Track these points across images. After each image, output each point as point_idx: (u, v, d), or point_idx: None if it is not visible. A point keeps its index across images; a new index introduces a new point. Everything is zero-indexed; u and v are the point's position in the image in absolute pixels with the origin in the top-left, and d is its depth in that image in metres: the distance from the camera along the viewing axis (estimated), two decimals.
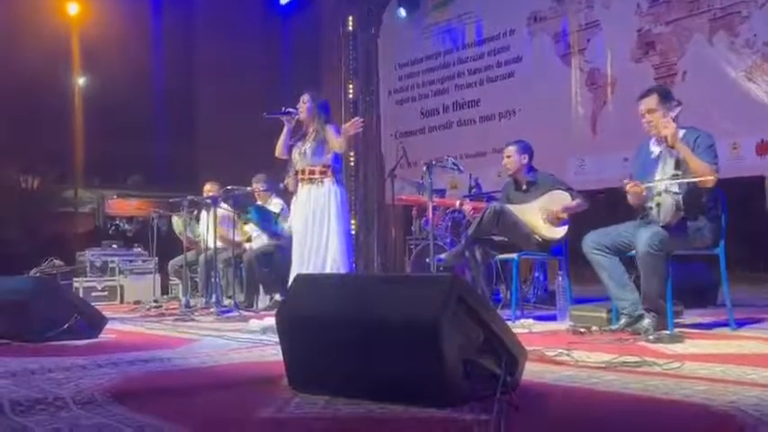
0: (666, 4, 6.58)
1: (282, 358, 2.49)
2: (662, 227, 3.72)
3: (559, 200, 4.92)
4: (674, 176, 3.75)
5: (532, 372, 2.55)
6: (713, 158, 3.83)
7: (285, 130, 5.02)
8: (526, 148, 5.13)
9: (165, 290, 8.02)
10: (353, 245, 7.55)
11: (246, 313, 5.62)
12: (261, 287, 6.42)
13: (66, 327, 3.99)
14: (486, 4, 8.22)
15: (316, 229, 4.82)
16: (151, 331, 4.74)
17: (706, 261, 4.65)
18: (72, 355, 3.37)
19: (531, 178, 5.10)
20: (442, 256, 5.15)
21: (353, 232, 8.52)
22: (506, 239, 4.90)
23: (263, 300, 6.40)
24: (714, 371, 2.65)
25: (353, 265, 5.46)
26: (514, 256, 4.79)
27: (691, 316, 4.57)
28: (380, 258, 9.31)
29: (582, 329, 3.92)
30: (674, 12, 6.52)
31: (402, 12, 9.07)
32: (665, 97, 4.00)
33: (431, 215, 5.11)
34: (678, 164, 3.76)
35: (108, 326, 4.38)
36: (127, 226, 11.80)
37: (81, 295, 7.12)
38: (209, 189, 6.86)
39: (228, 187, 6.38)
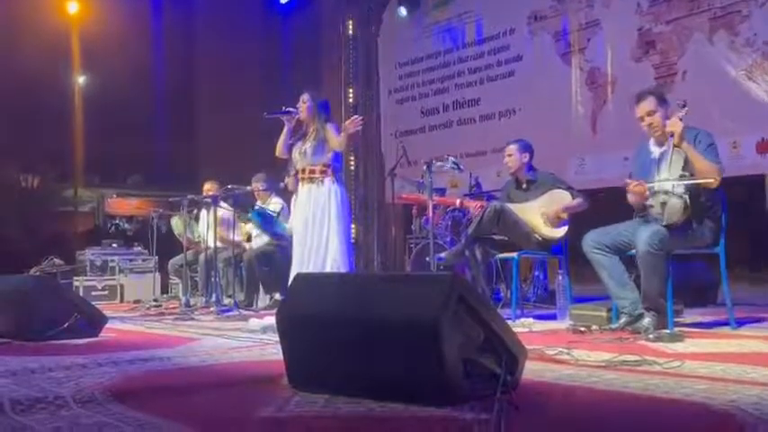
0: (667, 3, 6.58)
1: (282, 357, 2.49)
2: (664, 226, 3.72)
3: (560, 199, 4.92)
4: (682, 177, 3.74)
5: (533, 371, 2.55)
6: (717, 158, 3.84)
7: (285, 129, 5.02)
8: (527, 147, 5.14)
9: (164, 289, 8.03)
10: (353, 244, 7.55)
11: (246, 312, 5.62)
12: (261, 286, 6.43)
13: (66, 326, 3.99)
14: (487, 4, 8.22)
15: (316, 229, 4.82)
16: (151, 330, 4.74)
17: (706, 260, 4.65)
18: (72, 354, 3.37)
19: (532, 177, 5.10)
20: (443, 254, 5.15)
21: (353, 232, 8.51)
22: (506, 238, 4.90)
23: (262, 299, 6.40)
24: (714, 370, 2.65)
25: (354, 265, 5.45)
26: (514, 255, 4.79)
27: (691, 315, 4.58)
28: (380, 257, 9.31)
29: (582, 328, 3.93)
30: (675, 11, 6.52)
31: (402, 11, 9.06)
32: (662, 98, 4.01)
33: (431, 214, 5.11)
34: (686, 164, 3.76)
35: (108, 325, 4.38)
36: (127, 225, 11.82)
37: (81, 294, 7.12)
38: (209, 188, 6.86)
39: (228, 186, 6.38)
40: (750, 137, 5.98)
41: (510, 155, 5.13)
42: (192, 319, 5.45)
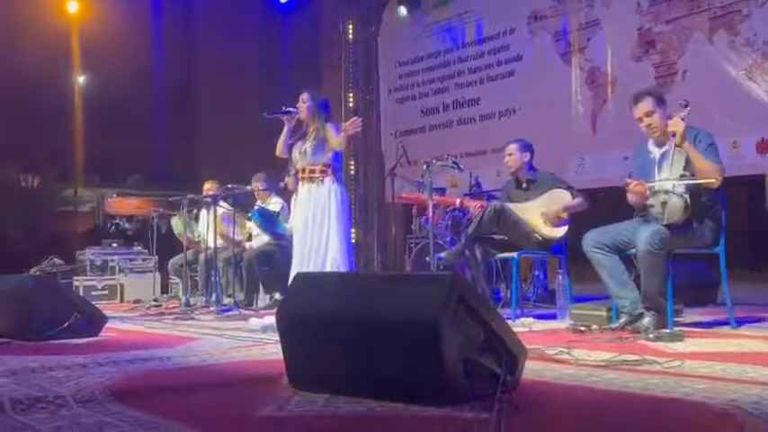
0: (667, 2, 6.57)
1: (282, 357, 2.49)
2: (664, 225, 3.72)
3: (560, 199, 4.92)
4: (683, 176, 3.74)
5: (533, 370, 2.55)
6: (717, 158, 3.84)
7: (285, 129, 5.02)
8: (527, 147, 5.14)
9: (164, 289, 8.03)
10: (353, 244, 7.55)
11: (246, 312, 5.62)
12: (261, 286, 6.43)
13: (66, 325, 3.99)
14: (487, 3, 8.22)
15: (316, 229, 4.82)
16: (151, 330, 4.74)
17: (706, 259, 4.64)
18: (72, 354, 3.37)
19: (532, 177, 5.11)
20: (443, 254, 5.15)
21: (353, 232, 8.52)
22: (506, 238, 4.90)
23: (262, 298, 6.40)
24: (714, 369, 2.65)
25: (354, 265, 5.45)
26: (514, 254, 4.79)
27: (691, 314, 4.57)
28: (380, 257, 9.31)
29: (582, 328, 3.93)
30: (675, 10, 6.52)
31: (402, 10, 9.06)
32: (660, 98, 4.01)
33: (431, 214, 5.11)
34: (687, 164, 3.76)
35: (108, 324, 4.38)
36: (127, 225, 11.82)
37: (81, 294, 7.12)
38: (209, 188, 6.86)
39: (228, 186, 6.38)
40: (750, 137, 5.98)
41: (510, 154, 5.13)
42: (192, 318, 5.45)
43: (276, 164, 5.41)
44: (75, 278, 8.01)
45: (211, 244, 6.23)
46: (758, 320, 4.36)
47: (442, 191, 6.72)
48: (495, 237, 4.91)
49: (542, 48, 7.59)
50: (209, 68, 11.08)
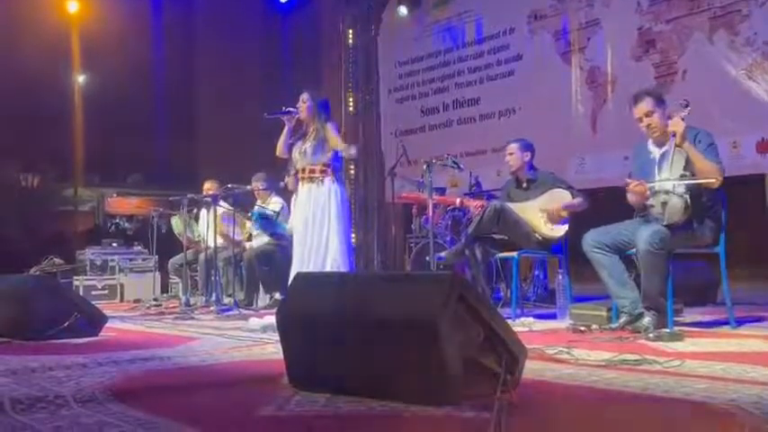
0: (667, 2, 6.58)
1: (283, 356, 2.49)
2: (665, 225, 3.72)
3: (560, 198, 4.92)
4: (683, 176, 3.74)
5: (533, 370, 2.56)
6: (717, 158, 3.84)
7: (285, 129, 5.02)
8: (528, 146, 5.14)
9: (165, 288, 8.03)
10: (353, 244, 7.55)
11: (246, 312, 5.63)
12: (261, 286, 6.43)
13: (66, 325, 3.99)
14: (487, 3, 8.22)
15: (316, 229, 4.83)
16: (151, 330, 4.74)
17: (706, 259, 4.64)
18: (72, 354, 3.37)
19: (532, 176, 5.11)
20: (443, 254, 5.16)
21: (353, 232, 8.52)
22: (506, 238, 4.90)
23: (262, 298, 6.40)
24: (714, 369, 2.66)
25: (354, 265, 5.45)
26: (514, 254, 4.79)
27: (691, 314, 4.58)
28: (380, 257, 9.31)
29: (582, 328, 3.93)
30: (675, 10, 6.52)
31: (402, 10, 9.06)
32: (659, 98, 4.01)
33: (431, 213, 5.11)
34: (687, 164, 3.76)
35: (108, 324, 4.39)
36: (127, 224, 11.80)
37: (81, 294, 7.13)
38: (209, 187, 6.87)
39: (228, 186, 6.38)
40: (750, 137, 5.99)
41: (511, 153, 5.13)
42: (192, 318, 5.45)
43: (276, 164, 5.41)
44: (75, 278, 8.02)
45: (211, 244, 6.23)
46: (758, 320, 4.36)
47: (441, 190, 6.72)
48: (495, 236, 4.91)
49: (542, 47, 7.59)
50: (209, 68, 11.07)
